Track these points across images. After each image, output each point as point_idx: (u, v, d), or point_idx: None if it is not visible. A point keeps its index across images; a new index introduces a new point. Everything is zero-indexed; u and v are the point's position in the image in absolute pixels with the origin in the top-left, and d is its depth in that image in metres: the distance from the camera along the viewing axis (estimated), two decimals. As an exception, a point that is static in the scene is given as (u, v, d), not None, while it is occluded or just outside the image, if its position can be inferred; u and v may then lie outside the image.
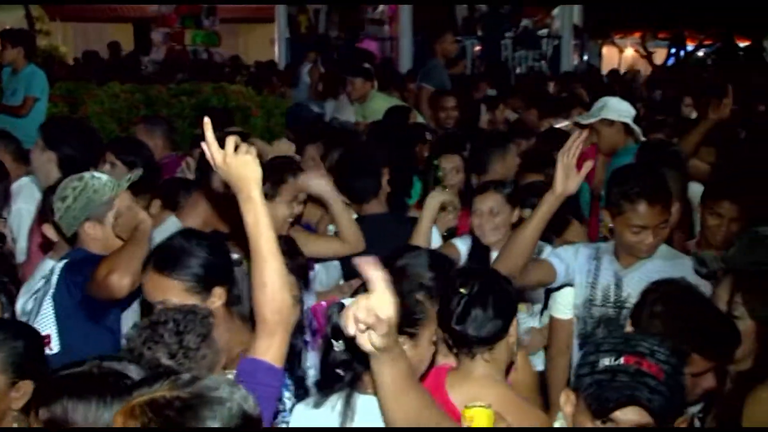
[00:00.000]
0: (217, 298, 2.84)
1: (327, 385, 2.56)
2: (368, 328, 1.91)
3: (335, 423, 2.47)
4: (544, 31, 14.01)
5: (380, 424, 2.28)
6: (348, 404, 2.47)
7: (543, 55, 13.68)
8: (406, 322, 2.43)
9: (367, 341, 1.94)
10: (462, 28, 13.09)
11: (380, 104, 7.58)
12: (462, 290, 2.77)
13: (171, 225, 3.72)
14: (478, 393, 2.63)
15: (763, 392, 2.49)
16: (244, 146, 2.29)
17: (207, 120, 2.34)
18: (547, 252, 3.77)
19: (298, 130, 6.88)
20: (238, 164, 2.27)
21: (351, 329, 1.93)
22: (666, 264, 3.43)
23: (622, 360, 1.97)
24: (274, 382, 2.31)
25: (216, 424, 1.69)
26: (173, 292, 2.78)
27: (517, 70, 13.03)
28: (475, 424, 2.38)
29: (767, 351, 2.60)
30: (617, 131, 5.39)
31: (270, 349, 2.29)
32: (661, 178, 3.56)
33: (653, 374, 1.92)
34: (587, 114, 5.83)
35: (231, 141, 2.29)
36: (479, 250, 4.20)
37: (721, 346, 2.51)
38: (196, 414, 1.69)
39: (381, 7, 13.68)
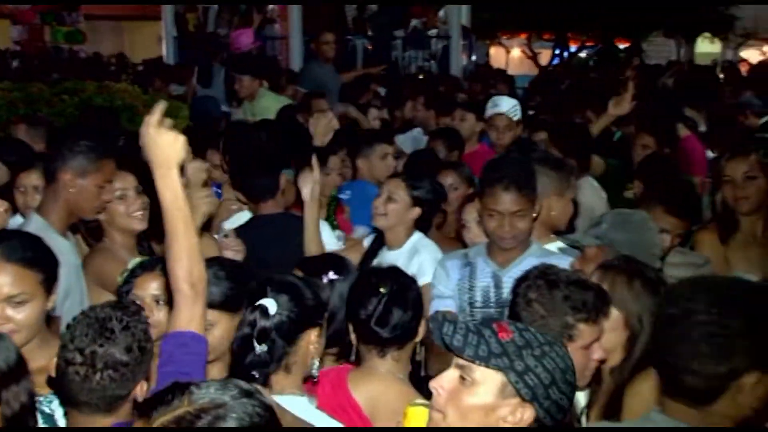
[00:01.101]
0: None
1: None
2: None
3: None
4: (433, 31, 14.14)
5: None
6: None
7: (433, 55, 13.81)
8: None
9: None
10: (352, 27, 13.09)
11: (269, 103, 7.51)
12: (382, 290, 2.81)
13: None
14: (382, 391, 2.72)
15: (641, 384, 2.54)
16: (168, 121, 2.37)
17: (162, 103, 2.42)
18: (432, 304, 3.66)
19: (201, 124, 6.76)
20: (166, 141, 2.31)
21: None
22: (542, 260, 3.48)
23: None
24: (202, 351, 2.33)
25: (245, 424, 1.62)
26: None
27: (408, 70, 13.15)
28: (413, 424, 2.40)
29: (635, 344, 2.64)
30: (511, 128, 5.62)
31: (193, 320, 2.31)
32: (526, 170, 3.64)
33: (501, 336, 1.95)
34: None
35: (158, 109, 2.35)
36: (378, 246, 4.24)
37: (599, 308, 2.55)
38: (225, 420, 1.61)
39: (271, 6, 13.53)
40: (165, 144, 2.31)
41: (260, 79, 7.84)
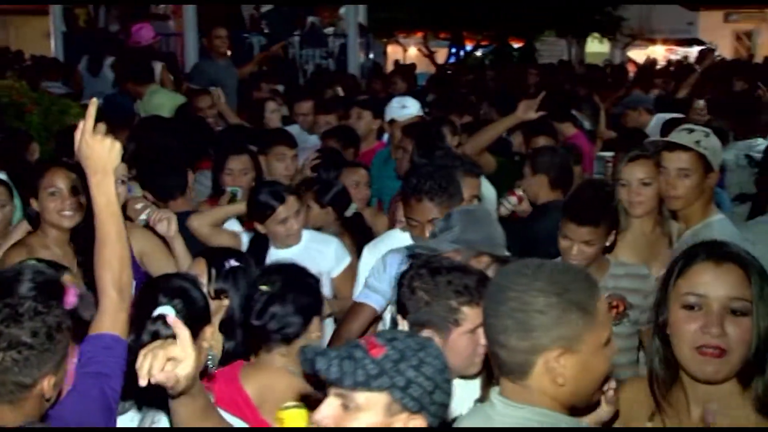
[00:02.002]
0: None
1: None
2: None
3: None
4: (330, 30, 14.15)
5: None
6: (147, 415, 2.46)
7: (330, 53, 13.82)
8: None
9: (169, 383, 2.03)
10: (249, 24, 12.98)
11: (162, 99, 7.41)
12: (263, 288, 2.86)
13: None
14: (271, 383, 2.76)
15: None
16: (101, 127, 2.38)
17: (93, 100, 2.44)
18: (361, 292, 3.79)
19: (112, 118, 6.60)
20: (103, 147, 2.34)
21: (143, 381, 1.98)
22: None
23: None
24: (124, 354, 2.39)
25: None
26: None
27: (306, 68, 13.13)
28: (288, 425, 2.41)
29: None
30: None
31: (116, 324, 2.36)
32: (445, 179, 3.74)
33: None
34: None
35: (91, 114, 2.36)
36: (259, 242, 4.26)
37: (482, 291, 2.59)
38: None
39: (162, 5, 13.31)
40: (101, 150, 2.33)
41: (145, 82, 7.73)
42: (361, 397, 1.91)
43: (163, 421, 2.49)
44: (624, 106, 7.72)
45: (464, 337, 2.57)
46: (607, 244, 3.63)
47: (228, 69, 8.71)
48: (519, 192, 4.74)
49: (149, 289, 2.62)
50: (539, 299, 1.86)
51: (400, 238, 3.91)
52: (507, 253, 3.27)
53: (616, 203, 3.78)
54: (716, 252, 2.07)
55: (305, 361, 1.95)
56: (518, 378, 1.91)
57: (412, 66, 16.93)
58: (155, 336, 2.44)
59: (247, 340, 2.96)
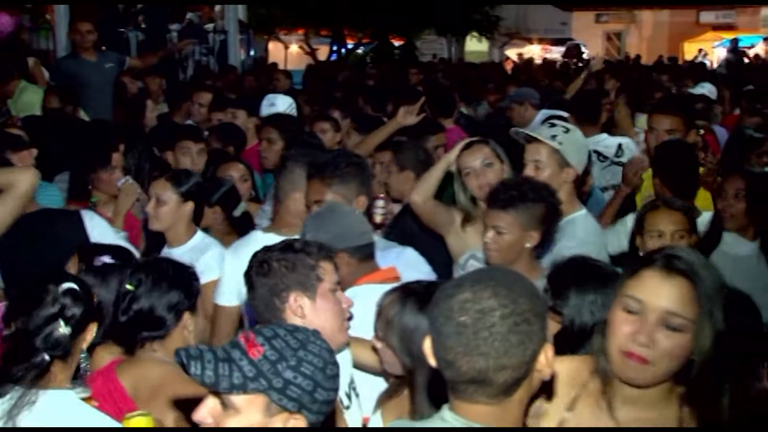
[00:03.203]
0: None
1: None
2: None
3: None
4: (210, 26, 13.93)
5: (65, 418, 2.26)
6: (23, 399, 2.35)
7: (210, 49, 13.62)
8: None
9: None
10: (125, 19, 12.63)
11: (32, 97, 7.12)
12: (128, 286, 2.85)
13: None
14: (143, 373, 2.78)
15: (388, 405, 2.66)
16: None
17: None
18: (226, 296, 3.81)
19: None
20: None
21: None
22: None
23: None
24: None
25: None
26: None
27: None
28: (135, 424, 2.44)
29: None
30: None
31: None
32: (344, 163, 3.69)
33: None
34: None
35: None
36: (154, 241, 4.23)
37: (333, 249, 2.78)
38: None
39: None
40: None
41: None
42: (239, 399, 1.89)
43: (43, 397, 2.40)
44: (511, 100, 7.84)
45: (329, 296, 2.62)
46: (529, 244, 3.43)
47: (96, 66, 8.25)
48: (381, 194, 4.60)
49: (45, 278, 2.50)
50: (525, 304, 1.80)
51: (262, 240, 3.80)
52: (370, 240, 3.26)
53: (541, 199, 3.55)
54: (670, 263, 2.01)
55: (180, 365, 1.91)
56: (506, 396, 1.82)
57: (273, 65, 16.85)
58: (62, 307, 2.38)
59: (120, 337, 2.92)
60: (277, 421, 1.90)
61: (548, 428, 1.99)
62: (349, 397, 2.82)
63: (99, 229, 4.24)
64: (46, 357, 2.38)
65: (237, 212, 4.67)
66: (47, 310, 2.40)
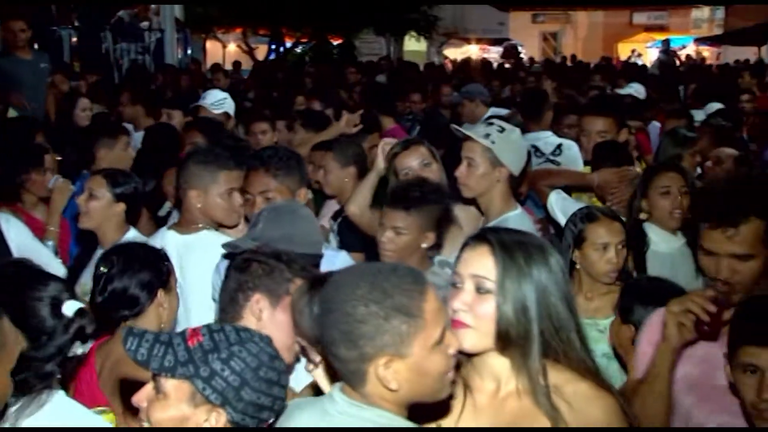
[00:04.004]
0: None
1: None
2: None
3: None
4: (146, 24, 13.76)
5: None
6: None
7: (146, 48, 13.44)
8: None
9: None
10: (58, 17, 12.39)
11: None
12: (101, 268, 3.00)
13: None
14: (111, 349, 2.88)
15: None
16: None
17: None
18: None
19: None
20: None
21: None
22: None
23: None
24: None
25: None
26: None
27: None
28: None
29: None
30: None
31: None
32: (287, 155, 3.77)
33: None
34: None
35: None
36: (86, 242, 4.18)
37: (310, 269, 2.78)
38: None
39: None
40: None
41: None
42: (168, 383, 1.91)
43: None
44: (462, 96, 7.86)
45: (281, 315, 2.60)
46: (425, 245, 3.48)
47: (31, 64, 8.05)
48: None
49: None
50: (359, 309, 1.84)
51: (165, 237, 3.81)
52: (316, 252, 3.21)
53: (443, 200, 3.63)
54: (478, 235, 2.15)
55: (122, 340, 1.93)
56: (356, 387, 1.91)
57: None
58: (80, 331, 2.28)
59: (98, 317, 2.90)
60: (201, 413, 1.91)
61: (543, 428, 2.00)
62: None
63: (16, 231, 4.17)
64: (58, 372, 2.33)
65: (162, 212, 4.72)
66: (61, 339, 2.27)
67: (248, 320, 2.58)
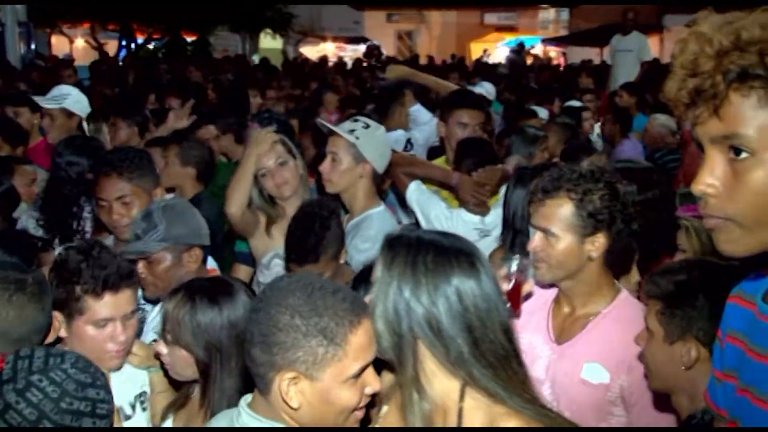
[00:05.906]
0: None
1: None
2: None
3: None
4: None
5: None
6: None
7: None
8: None
9: None
10: None
11: None
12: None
13: None
14: None
15: None
16: None
17: None
18: None
19: None
20: None
21: None
22: None
23: None
24: None
25: None
26: None
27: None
28: None
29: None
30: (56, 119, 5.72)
31: None
32: (138, 157, 3.64)
33: None
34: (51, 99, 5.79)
35: None
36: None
37: (115, 278, 2.72)
38: None
39: None
40: None
41: None
42: None
43: None
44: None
45: (89, 327, 2.50)
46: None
47: None
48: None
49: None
50: (284, 317, 1.76)
51: None
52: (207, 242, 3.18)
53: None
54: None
55: None
56: (262, 392, 1.84)
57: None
58: None
59: None
60: None
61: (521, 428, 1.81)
62: (133, 407, 2.72)
63: None
64: None
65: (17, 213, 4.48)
66: None
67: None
